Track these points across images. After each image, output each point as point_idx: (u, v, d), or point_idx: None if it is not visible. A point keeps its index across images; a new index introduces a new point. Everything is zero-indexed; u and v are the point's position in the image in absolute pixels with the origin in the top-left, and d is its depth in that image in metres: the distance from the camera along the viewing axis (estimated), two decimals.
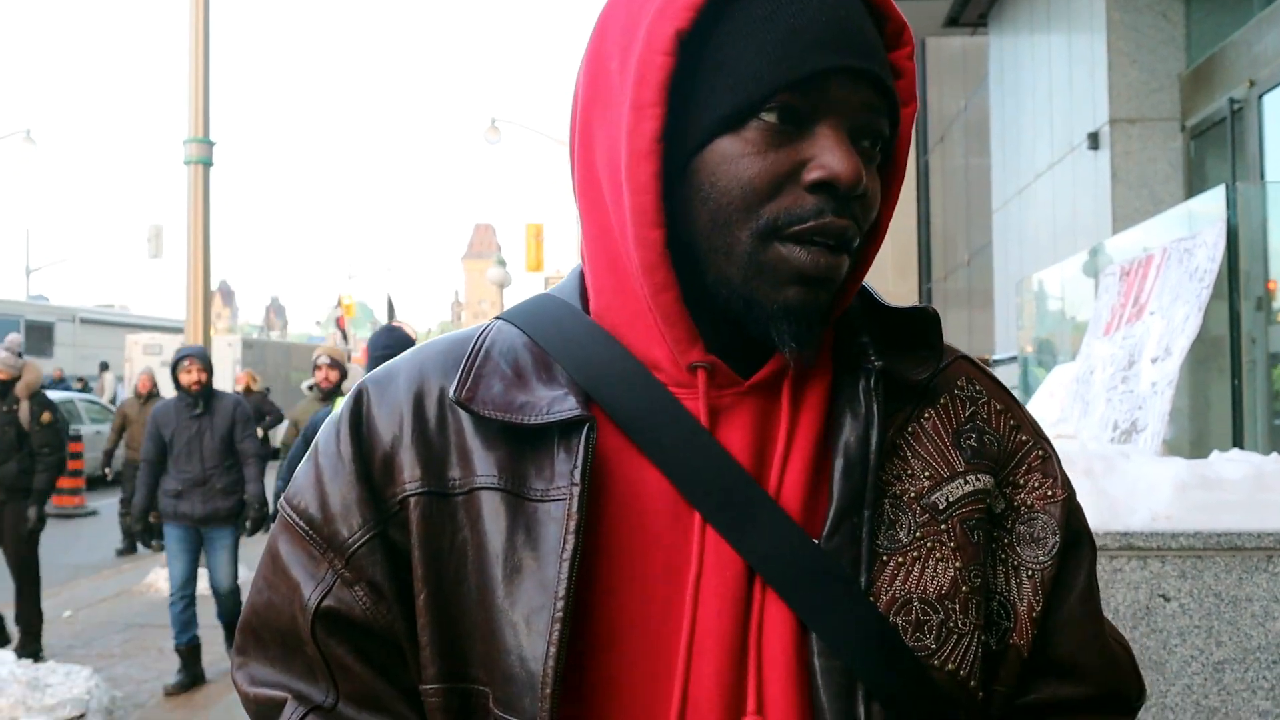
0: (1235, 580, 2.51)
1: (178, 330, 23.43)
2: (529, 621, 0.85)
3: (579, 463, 0.86)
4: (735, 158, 0.84)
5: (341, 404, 0.98)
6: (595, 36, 0.93)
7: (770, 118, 0.83)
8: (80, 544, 12.47)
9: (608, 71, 0.89)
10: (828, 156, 0.83)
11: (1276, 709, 2.49)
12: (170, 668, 6.59)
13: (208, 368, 6.64)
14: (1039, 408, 4.93)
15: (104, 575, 10.27)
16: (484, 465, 0.90)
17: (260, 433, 11.21)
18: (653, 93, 0.84)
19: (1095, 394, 4.12)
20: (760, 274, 0.85)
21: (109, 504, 14.86)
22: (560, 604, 0.83)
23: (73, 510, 14.75)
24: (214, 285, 13.15)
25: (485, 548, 0.88)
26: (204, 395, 6.57)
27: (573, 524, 0.84)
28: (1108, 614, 2.49)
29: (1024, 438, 1.00)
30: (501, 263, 33.44)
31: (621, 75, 0.87)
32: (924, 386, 0.96)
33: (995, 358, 7.75)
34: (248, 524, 6.65)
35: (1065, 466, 2.90)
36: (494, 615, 0.87)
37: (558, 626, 0.83)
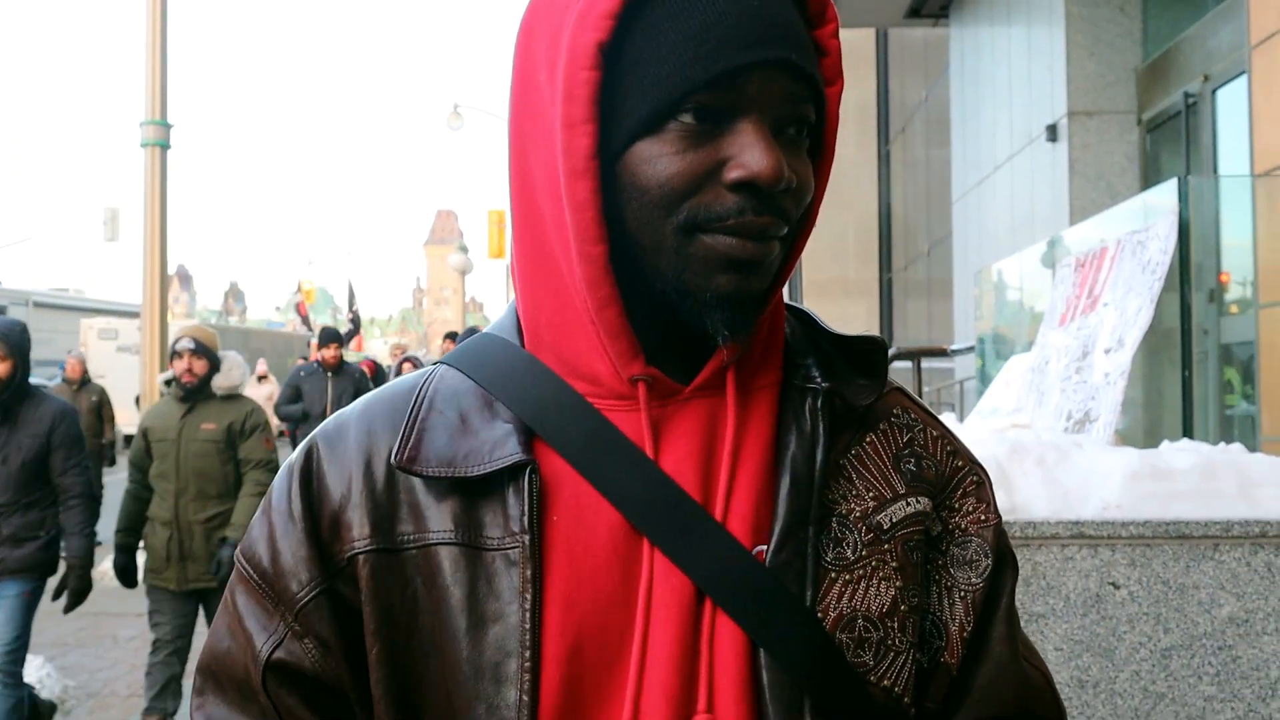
0: (1183, 568, 2.56)
1: (134, 315, 23.13)
2: (496, 670, 0.86)
3: (526, 509, 0.87)
4: (654, 159, 0.84)
5: (293, 455, 0.99)
6: (521, 45, 0.92)
7: (687, 119, 0.83)
8: None
9: (537, 84, 0.89)
10: (747, 155, 0.83)
11: (1221, 694, 2.53)
12: (124, 657, 6.53)
13: (14, 354, 4.56)
14: (995, 397, 4.99)
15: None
16: (438, 521, 0.90)
17: None
18: (583, 109, 0.83)
19: (1050, 384, 4.17)
20: (689, 265, 0.85)
21: None
22: (528, 652, 0.85)
23: None
24: (171, 269, 13.00)
25: (445, 601, 0.88)
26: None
27: (529, 572, 0.86)
28: (1059, 602, 2.54)
29: (960, 463, 1.01)
30: (464, 249, 33.32)
31: (550, 87, 0.86)
32: (865, 412, 0.97)
33: (954, 347, 7.82)
34: (65, 595, 4.90)
35: (1020, 456, 2.92)
36: (457, 665, 0.87)
37: (528, 676, 0.85)
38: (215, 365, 5.08)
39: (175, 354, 5.03)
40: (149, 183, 10.16)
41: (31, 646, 6.58)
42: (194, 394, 5.01)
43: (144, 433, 5.07)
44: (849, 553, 0.91)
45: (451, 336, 14.06)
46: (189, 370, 4.98)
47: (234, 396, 5.16)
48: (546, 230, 0.90)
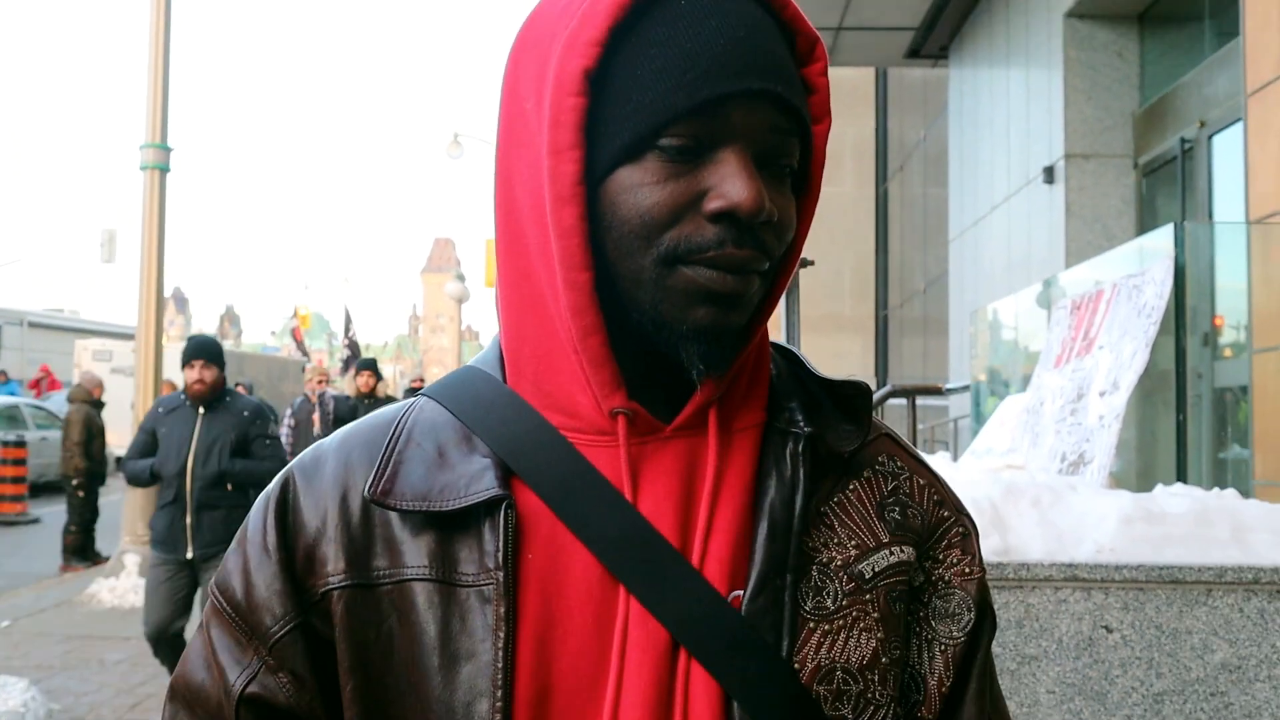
0: (1176, 613, 2.55)
1: (128, 336, 23.10)
2: (468, 710, 0.85)
3: (500, 545, 0.86)
4: (634, 188, 0.83)
5: (270, 486, 0.98)
6: (509, 74, 0.91)
7: (668, 147, 0.82)
8: (22, 552, 12.25)
9: (524, 112, 0.88)
10: (728, 185, 0.82)
11: None
12: (111, 681, 6.48)
13: None
14: (989, 437, 4.99)
15: (45, 585, 10.08)
16: (413, 556, 0.89)
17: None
18: (569, 135, 0.83)
19: (1045, 425, 4.17)
20: (667, 298, 0.84)
21: (51, 512, 14.61)
22: (500, 692, 0.84)
23: (15, 518, 14.50)
24: (167, 292, 12.98)
25: (419, 639, 0.87)
26: None
27: (503, 609, 0.85)
28: (1052, 644, 2.53)
29: (946, 513, 1.00)
30: (460, 277, 33.46)
31: (537, 115, 0.86)
32: (849, 459, 0.95)
33: (948, 386, 7.83)
34: None
35: (1015, 497, 2.91)
36: (430, 705, 0.86)
37: (499, 717, 0.83)
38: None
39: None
40: (147, 205, 10.17)
41: (17, 670, 6.54)
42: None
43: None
44: (829, 602, 0.89)
45: (367, 366, 11.42)
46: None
47: None
48: (531, 259, 0.89)
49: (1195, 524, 2.68)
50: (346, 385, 8.80)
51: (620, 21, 0.83)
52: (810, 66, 0.89)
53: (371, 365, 10.40)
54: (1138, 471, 4.44)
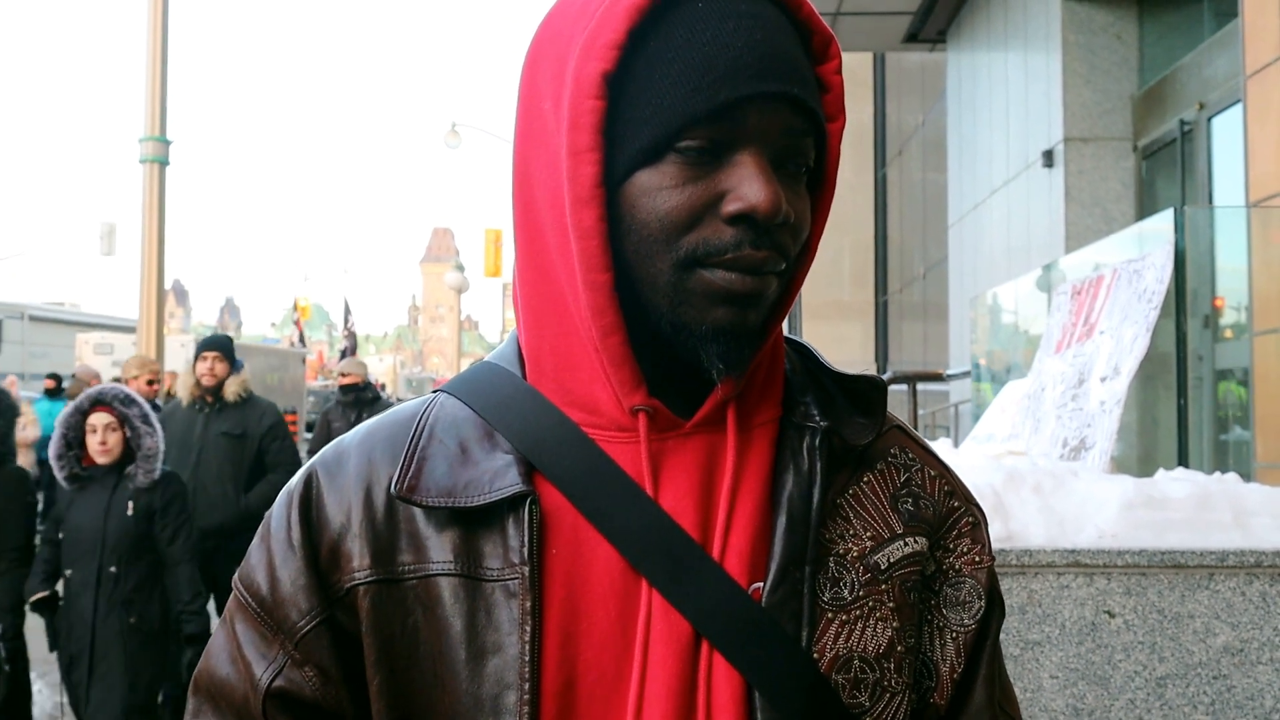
0: (1178, 597, 2.56)
1: (129, 329, 23.12)
2: (495, 703, 0.86)
3: (525, 540, 0.87)
4: (653, 191, 0.84)
5: (292, 481, 0.99)
6: (526, 74, 0.92)
7: (686, 150, 0.83)
8: None
9: (541, 112, 0.89)
10: (746, 188, 0.83)
11: None
12: None
13: None
14: (990, 423, 5.00)
15: None
16: (439, 551, 0.90)
17: None
18: (588, 137, 0.84)
19: (1046, 411, 4.18)
20: (686, 300, 0.86)
21: None
22: (527, 685, 0.85)
23: None
24: (168, 284, 13.00)
25: (446, 632, 0.89)
26: None
27: (528, 603, 0.86)
28: (1055, 630, 2.54)
29: (956, 503, 1.01)
30: (460, 267, 33.47)
31: (555, 116, 0.87)
32: (862, 452, 0.97)
33: (949, 372, 7.83)
34: None
35: (1016, 483, 2.92)
36: (458, 698, 0.88)
37: (527, 709, 0.85)
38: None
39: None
40: (147, 198, 10.19)
41: None
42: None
43: None
44: (846, 593, 0.91)
45: (212, 345, 6.42)
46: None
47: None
48: (550, 258, 0.90)
49: (1197, 508, 2.69)
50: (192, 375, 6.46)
51: (638, 24, 0.84)
52: (825, 65, 0.90)
53: (216, 344, 6.21)
54: (1139, 456, 4.45)
